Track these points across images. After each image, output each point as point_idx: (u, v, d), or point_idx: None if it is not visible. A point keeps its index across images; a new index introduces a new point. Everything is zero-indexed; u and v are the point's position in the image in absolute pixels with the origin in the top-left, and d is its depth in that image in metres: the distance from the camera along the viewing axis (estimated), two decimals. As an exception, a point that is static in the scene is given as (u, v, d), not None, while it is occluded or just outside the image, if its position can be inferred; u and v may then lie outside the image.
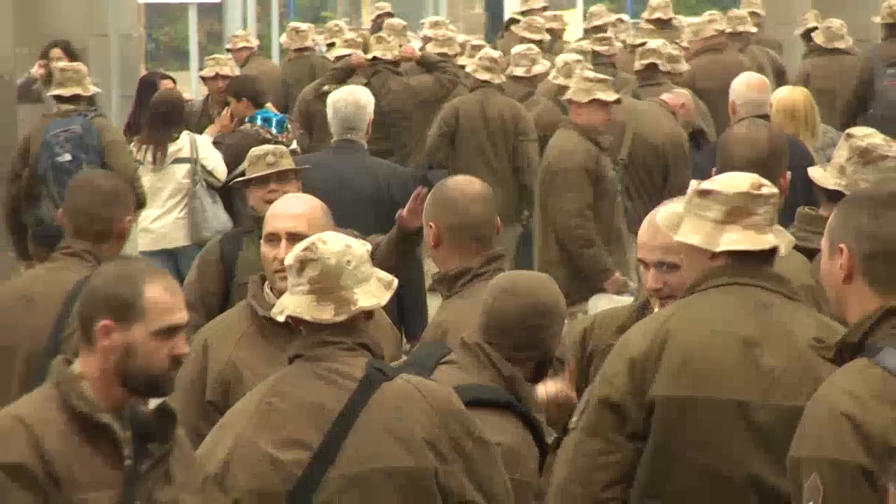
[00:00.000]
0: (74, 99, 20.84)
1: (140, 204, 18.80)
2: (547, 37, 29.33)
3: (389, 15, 33.16)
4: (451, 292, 10.30)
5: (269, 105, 23.07)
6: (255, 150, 14.35)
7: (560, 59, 26.40)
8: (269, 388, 8.66)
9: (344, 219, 10.70)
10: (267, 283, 9.30)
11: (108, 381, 7.29)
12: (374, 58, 25.56)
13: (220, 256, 13.23)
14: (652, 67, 24.76)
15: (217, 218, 20.77)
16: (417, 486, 7.98)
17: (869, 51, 28.05)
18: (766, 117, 16.42)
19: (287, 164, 14.49)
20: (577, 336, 10.13)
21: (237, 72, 24.79)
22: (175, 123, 21.51)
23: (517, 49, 27.19)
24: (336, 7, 54.82)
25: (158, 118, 21.61)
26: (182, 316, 7.53)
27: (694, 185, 8.95)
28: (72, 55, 26.02)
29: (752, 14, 31.79)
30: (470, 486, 7.95)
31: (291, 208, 10.38)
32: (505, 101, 24.10)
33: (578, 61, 25.34)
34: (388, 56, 25.44)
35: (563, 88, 22.45)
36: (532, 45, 27.59)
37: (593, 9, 35.35)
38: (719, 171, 10.62)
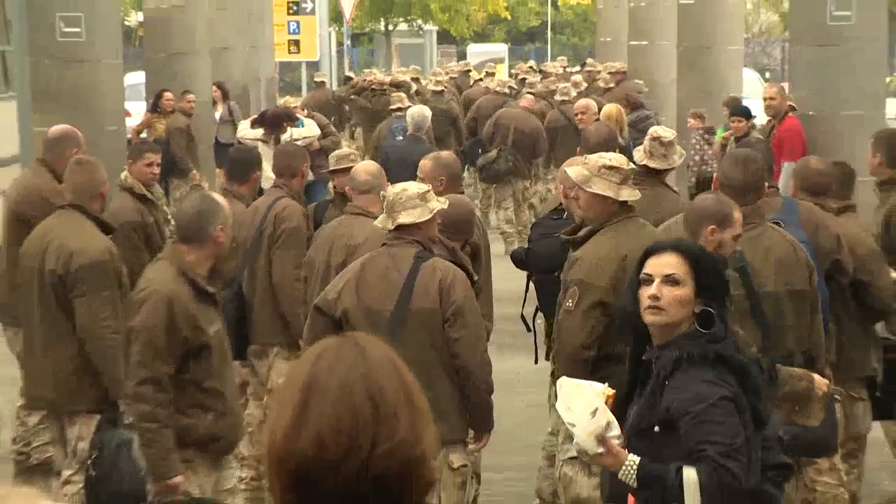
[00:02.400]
0: (398, 109, 22.64)
1: None
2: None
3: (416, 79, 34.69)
4: None
5: (302, 115, 23.45)
6: (339, 153, 13.80)
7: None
8: (367, 258, 9.29)
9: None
10: None
11: None
12: (376, 87, 28.90)
13: (314, 214, 12.22)
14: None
15: None
16: (434, 319, 8.50)
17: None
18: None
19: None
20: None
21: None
22: (281, 124, 21.02)
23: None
24: (379, 64, 55.33)
25: (275, 121, 21.03)
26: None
27: (595, 158, 9.42)
28: (224, 91, 26.65)
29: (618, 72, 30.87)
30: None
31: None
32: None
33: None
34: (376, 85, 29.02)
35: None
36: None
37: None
38: (581, 149, 12.60)
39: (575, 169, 9.19)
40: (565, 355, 8.64)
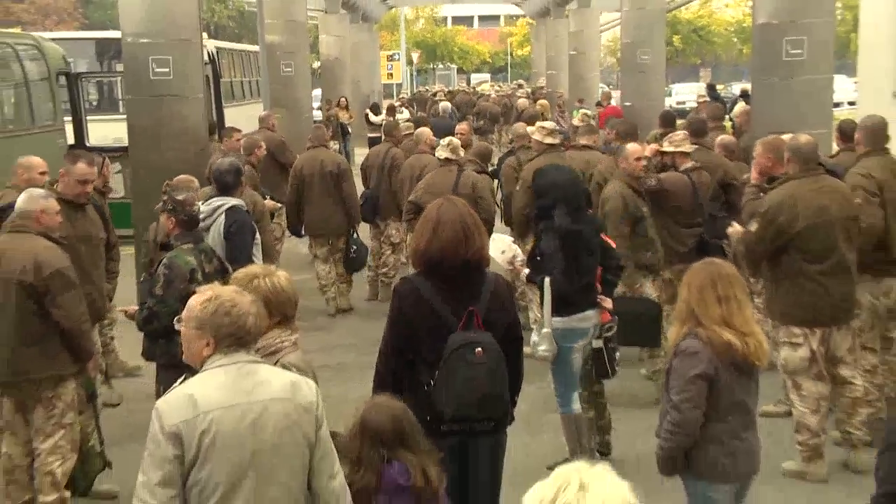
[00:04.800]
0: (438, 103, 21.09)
1: None
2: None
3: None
4: None
5: (402, 107, 21.57)
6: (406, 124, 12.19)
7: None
8: (434, 173, 8.37)
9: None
10: None
11: None
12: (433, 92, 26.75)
13: None
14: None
15: None
16: (470, 198, 7.00)
17: None
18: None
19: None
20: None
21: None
22: (394, 112, 19.05)
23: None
24: (428, 83, 50.60)
25: (391, 110, 19.40)
26: None
27: (538, 125, 8.58)
28: (345, 102, 22.04)
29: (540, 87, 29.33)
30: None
31: None
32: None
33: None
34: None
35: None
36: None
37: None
38: (522, 119, 12.06)
39: (531, 129, 8.65)
40: (515, 212, 7.98)
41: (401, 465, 3.03)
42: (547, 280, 5.32)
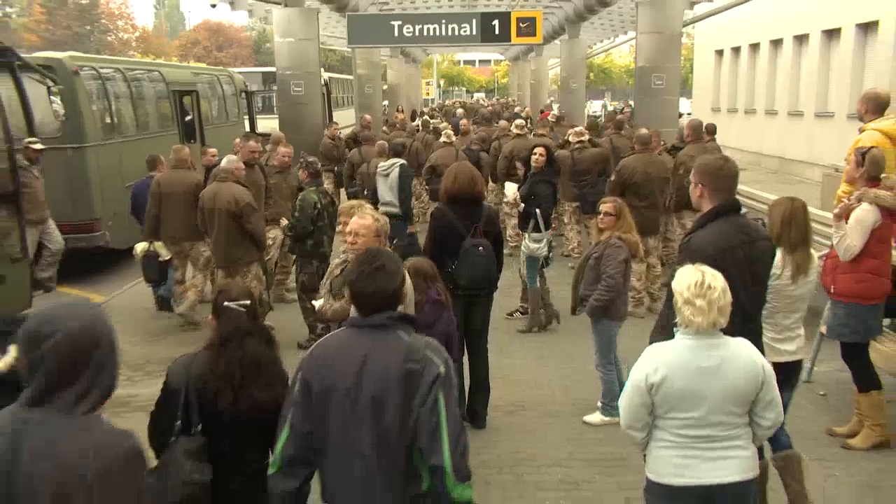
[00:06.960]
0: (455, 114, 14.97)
1: None
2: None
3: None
4: None
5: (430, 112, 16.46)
6: (432, 120, 10.48)
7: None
8: (441, 151, 7.24)
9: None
10: None
11: None
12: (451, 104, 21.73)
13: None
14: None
15: None
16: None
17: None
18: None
19: None
20: None
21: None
22: (422, 114, 15.41)
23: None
24: (452, 98, 45.37)
25: (420, 114, 15.53)
26: None
27: (516, 122, 7.44)
28: (401, 108, 16.81)
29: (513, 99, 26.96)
30: None
31: None
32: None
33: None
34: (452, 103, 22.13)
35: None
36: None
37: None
38: (505, 119, 9.94)
39: (513, 123, 7.71)
40: (499, 171, 6.83)
41: (436, 290, 3.05)
42: (538, 210, 5.00)
